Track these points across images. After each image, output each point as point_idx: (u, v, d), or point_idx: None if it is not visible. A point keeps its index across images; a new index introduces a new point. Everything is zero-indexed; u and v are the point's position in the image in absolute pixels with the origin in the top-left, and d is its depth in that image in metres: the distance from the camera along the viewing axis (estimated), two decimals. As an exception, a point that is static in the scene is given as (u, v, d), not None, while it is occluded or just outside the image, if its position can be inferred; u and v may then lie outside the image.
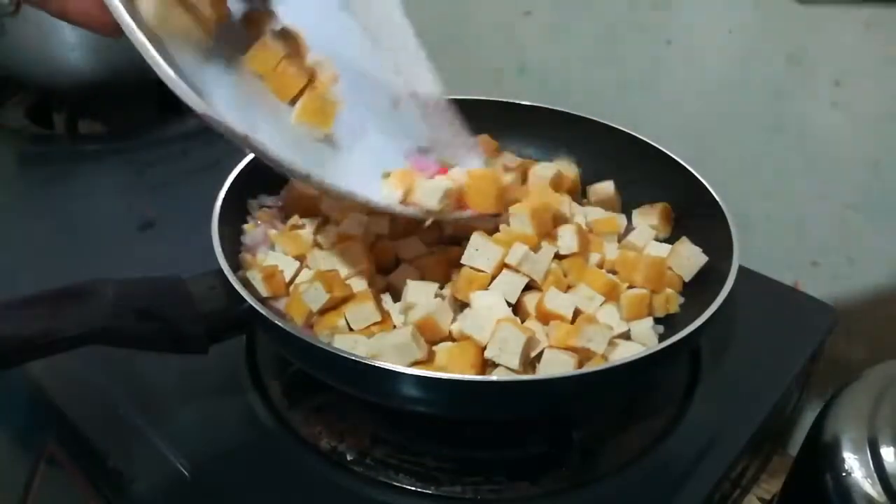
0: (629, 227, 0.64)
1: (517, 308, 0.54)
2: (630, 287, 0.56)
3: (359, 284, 0.53)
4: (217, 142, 0.43)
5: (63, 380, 0.56)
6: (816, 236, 0.74)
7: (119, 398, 0.54)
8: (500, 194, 0.55)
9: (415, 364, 0.47)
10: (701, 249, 0.57)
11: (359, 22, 0.56)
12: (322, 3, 0.55)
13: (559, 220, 0.58)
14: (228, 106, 0.45)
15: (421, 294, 0.53)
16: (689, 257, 0.57)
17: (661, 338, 0.54)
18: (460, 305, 0.53)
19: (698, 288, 0.56)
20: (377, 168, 0.54)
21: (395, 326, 0.52)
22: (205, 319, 0.47)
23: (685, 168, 0.62)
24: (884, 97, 0.65)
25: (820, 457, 0.46)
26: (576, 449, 0.52)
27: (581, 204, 0.67)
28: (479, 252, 0.53)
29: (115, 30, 0.39)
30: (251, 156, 0.59)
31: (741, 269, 0.52)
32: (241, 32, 0.50)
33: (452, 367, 0.48)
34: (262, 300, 0.52)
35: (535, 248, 0.54)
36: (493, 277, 0.53)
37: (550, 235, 0.56)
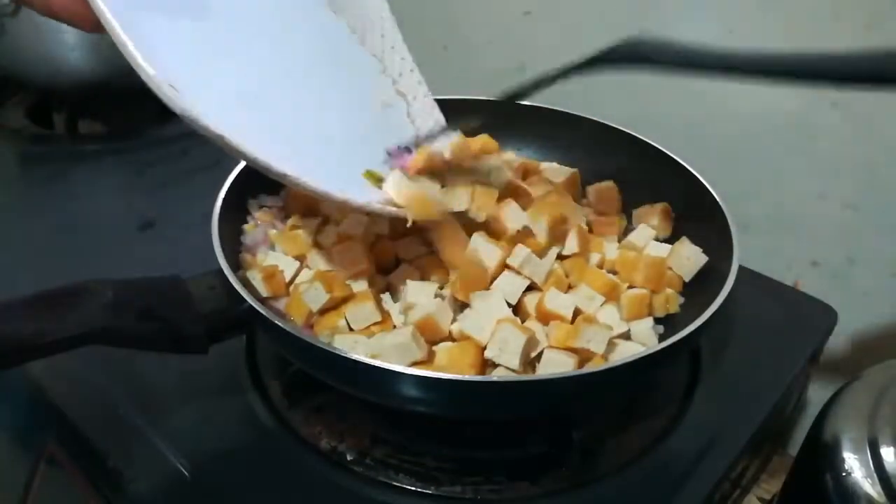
0: (629, 227, 0.64)
1: (517, 308, 0.54)
2: (630, 287, 0.56)
3: (359, 284, 0.53)
4: (217, 142, 0.43)
5: (63, 380, 0.56)
6: (816, 236, 0.73)
7: (119, 398, 0.54)
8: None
9: (415, 364, 0.47)
10: (701, 249, 0.57)
11: (344, 21, 0.56)
12: (307, 2, 0.54)
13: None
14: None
15: (421, 294, 0.53)
16: (689, 257, 0.57)
17: (661, 338, 0.54)
18: (460, 305, 0.53)
19: (698, 288, 0.56)
20: (359, 168, 0.53)
21: (395, 326, 0.52)
22: (205, 319, 0.47)
23: (685, 168, 0.62)
24: (884, 97, 0.65)
25: (820, 457, 0.46)
26: (576, 449, 0.52)
27: (581, 204, 0.67)
28: (480, 252, 0.53)
29: (97, 25, 0.39)
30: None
31: (741, 269, 0.52)
32: None
33: (452, 367, 0.48)
34: (262, 300, 0.52)
35: (541, 254, 0.54)
36: (494, 278, 0.53)
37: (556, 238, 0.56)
